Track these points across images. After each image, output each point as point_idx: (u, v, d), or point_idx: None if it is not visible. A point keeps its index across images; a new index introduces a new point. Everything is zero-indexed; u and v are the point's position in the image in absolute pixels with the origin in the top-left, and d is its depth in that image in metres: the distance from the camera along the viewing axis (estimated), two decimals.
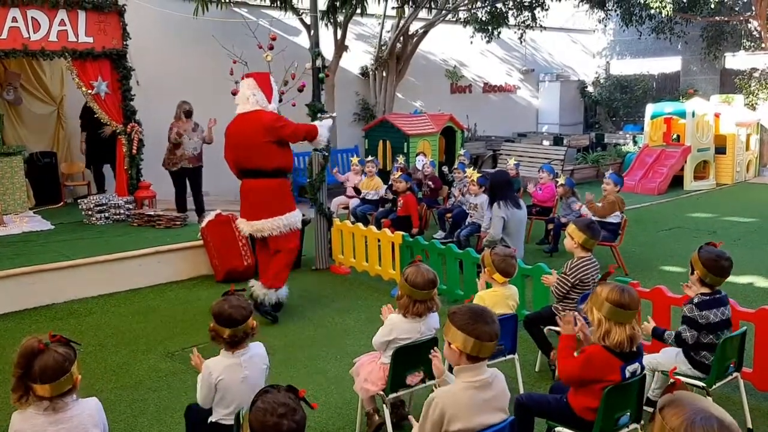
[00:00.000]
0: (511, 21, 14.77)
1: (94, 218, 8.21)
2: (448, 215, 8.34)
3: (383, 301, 5.79)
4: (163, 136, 8.87)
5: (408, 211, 7.90)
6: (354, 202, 8.99)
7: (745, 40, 16.24)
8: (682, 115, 12.71)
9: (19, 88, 9.54)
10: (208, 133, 8.87)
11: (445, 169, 10.10)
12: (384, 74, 13.27)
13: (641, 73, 18.39)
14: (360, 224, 7.34)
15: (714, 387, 3.69)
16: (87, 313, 6.22)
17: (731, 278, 6.43)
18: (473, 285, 5.36)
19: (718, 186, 12.77)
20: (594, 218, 6.88)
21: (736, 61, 15.99)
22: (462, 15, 14.65)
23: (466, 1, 13.63)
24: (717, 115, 12.90)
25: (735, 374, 3.86)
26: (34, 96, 9.85)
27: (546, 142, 14.57)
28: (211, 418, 3.16)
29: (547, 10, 14.66)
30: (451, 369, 2.87)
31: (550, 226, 8.00)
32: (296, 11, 11.01)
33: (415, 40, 13.26)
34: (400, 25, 12.73)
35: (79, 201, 8.72)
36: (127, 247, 7.05)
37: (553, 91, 18.12)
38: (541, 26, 15.27)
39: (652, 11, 14.32)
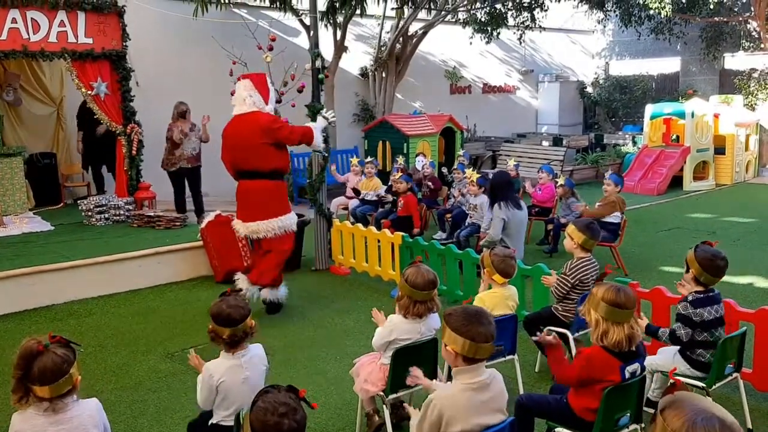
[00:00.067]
0: (511, 22, 14.77)
1: (93, 219, 8.21)
2: (448, 216, 8.34)
3: (383, 301, 5.81)
4: (163, 137, 8.87)
5: (409, 211, 7.90)
6: (354, 203, 8.99)
7: (744, 41, 16.25)
8: (681, 115, 12.72)
9: (18, 89, 9.53)
10: (203, 131, 8.86)
11: (445, 169, 10.10)
12: (383, 75, 13.27)
13: (640, 74, 18.40)
14: (360, 225, 7.34)
15: (714, 387, 3.70)
16: (87, 314, 6.22)
17: (731, 278, 6.49)
18: (473, 285, 5.36)
19: (718, 186, 12.78)
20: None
21: (735, 61, 16.00)
22: (461, 16, 14.66)
23: (465, 2, 13.64)
24: (716, 116, 12.91)
25: (735, 375, 3.86)
26: (34, 97, 9.85)
27: (545, 143, 14.57)
28: (212, 420, 3.16)
29: (546, 10, 14.67)
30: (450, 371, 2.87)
31: (550, 227, 8.00)
32: (296, 12, 11.02)
33: (414, 40, 13.27)
34: (400, 25, 12.74)
35: (78, 202, 8.72)
36: (126, 248, 7.05)
37: (553, 92, 18.12)
38: (540, 27, 15.28)
39: (651, 12, 14.33)
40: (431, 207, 9.09)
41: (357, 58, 13.75)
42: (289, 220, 5.93)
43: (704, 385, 3.68)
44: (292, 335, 5.58)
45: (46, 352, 2.51)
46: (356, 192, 9.03)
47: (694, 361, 3.75)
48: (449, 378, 2.83)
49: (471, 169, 8.34)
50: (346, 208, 9.17)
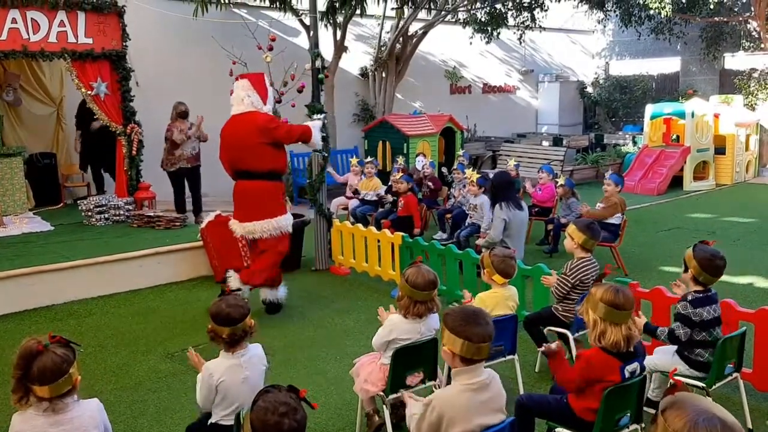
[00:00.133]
0: (511, 22, 14.77)
1: (93, 219, 8.21)
2: (448, 216, 8.35)
3: (383, 301, 5.79)
4: (163, 137, 8.87)
5: (409, 211, 7.90)
6: (354, 203, 8.99)
7: (744, 41, 16.25)
8: (681, 115, 12.72)
9: (18, 89, 9.53)
10: (197, 130, 8.86)
11: (445, 169, 10.10)
12: (383, 75, 13.27)
13: (640, 74, 18.40)
14: (360, 225, 7.34)
15: (714, 387, 3.69)
16: (87, 314, 6.22)
17: (731, 278, 6.49)
18: (473, 286, 5.36)
19: (718, 186, 12.78)
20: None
21: (735, 61, 16.00)
22: (461, 16, 14.66)
23: (465, 2, 13.64)
24: (716, 116, 12.91)
25: (735, 375, 3.86)
26: (34, 97, 9.85)
27: (545, 143, 14.57)
28: (211, 420, 3.16)
29: (546, 10, 14.67)
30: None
31: (550, 227, 8.00)
32: (296, 12, 11.02)
33: (414, 40, 13.27)
34: (400, 25, 12.74)
35: (78, 202, 8.72)
36: (126, 248, 7.05)
37: (553, 92, 18.13)
38: (540, 27, 15.28)
39: (652, 12, 14.33)
40: (431, 207, 9.09)
41: (357, 58, 13.75)
42: (284, 221, 5.91)
43: (704, 385, 3.68)
44: (292, 335, 5.58)
45: (45, 352, 2.51)
46: (355, 192, 9.04)
47: (693, 361, 3.75)
48: (449, 378, 2.83)
49: (471, 169, 8.34)
50: (346, 208, 9.17)
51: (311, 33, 7.67)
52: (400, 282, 3.69)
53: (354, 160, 9.51)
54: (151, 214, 8.19)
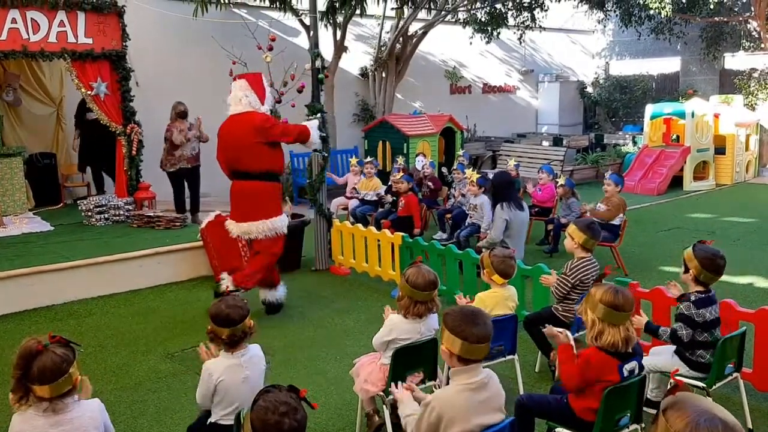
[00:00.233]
0: (511, 22, 14.77)
1: (93, 219, 8.21)
2: (448, 216, 8.34)
3: (383, 301, 5.79)
4: (163, 137, 8.87)
5: (410, 211, 7.90)
6: (353, 203, 8.99)
7: (744, 41, 16.25)
8: (681, 115, 12.72)
9: (18, 89, 9.53)
10: (197, 131, 8.87)
11: (445, 170, 10.10)
12: (383, 75, 13.27)
13: (640, 74, 18.40)
14: (360, 225, 7.34)
15: (714, 387, 3.69)
16: (87, 315, 6.22)
17: (731, 278, 6.49)
18: (473, 286, 5.36)
19: (718, 186, 12.78)
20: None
21: (735, 61, 16.01)
22: (461, 16, 14.66)
23: (465, 2, 13.64)
24: (716, 116, 12.91)
25: (735, 375, 3.86)
26: (34, 97, 9.85)
27: (545, 143, 14.57)
28: (211, 419, 3.16)
29: (546, 10, 14.67)
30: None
31: (550, 227, 8.00)
32: (295, 12, 11.02)
33: (414, 40, 13.27)
34: (400, 25, 12.74)
35: (78, 202, 8.71)
36: (126, 248, 7.05)
37: (553, 92, 18.12)
38: (540, 27, 15.28)
39: (652, 12, 14.33)
40: (431, 207, 9.10)
41: (357, 58, 13.75)
42: (279, 222, 5.88)
43: (704, 385, 3.68)
44: (292, 335, 5.58)
45: (45, 352, 2.51)
46: (356, 192, 9.04)
47: (693, 362, 3.74)
48: (449, 378, 2.83)
49: (471, 169, 8.34)
50: (345, 209, 9.17)
51: (311, 33, 7.67)
52: (400, 282, 3.69)
53: (353, 160, 9.52)
54: (151, 214, 8.19)
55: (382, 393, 3.62)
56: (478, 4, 14.05)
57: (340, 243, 7.41)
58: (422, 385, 3.72)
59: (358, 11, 11.43)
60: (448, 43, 15.49)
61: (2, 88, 9.36)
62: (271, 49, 7.00)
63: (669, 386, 3.88)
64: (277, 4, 10.98)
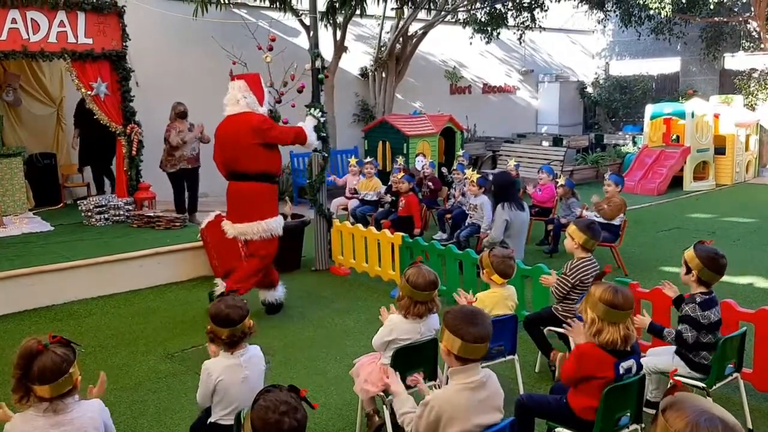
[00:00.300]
0: (511, 22, 14.78)
1: (93, 219, 8.21)
2: (448, 216, 8.35)
3: (383, 302, 5.79)
4: (162, 138, 8.87)
5: (410, 211, 7.90)
6: (353, 203, 8.99)
7: (744, 41, 16.26)
8: (681, 115, 12.72)
9: (18, 89, 9.53)
10: (197, 133, 8.88)
11: (445, 170, 10.10)
12: (383, 75, 13.27)
13: (640, 74, 18.41)
14: (360, 225, 7.34)
15: (714, 388, 3.69)
16: (87, 315, 6.22)
17: (731, 278, 6.49)
18: (473, 286, 5.36)
19: (718, 186, 12.78)
20: (597, 219, 6.90)
21: (735, 61, 16.02)
22: (461, 16, 14.67)
23: (465, 2, 13.64)
24: (716, 116, 12.92)
25: (735, 375, 3.85)
26: (34, 97, 9.85)
27: (545, 143, 14.58)
28: (211, 419, 3.17)
29: (546, 11, 14.68)
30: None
31: (550, 227, 8.00)
32: (295, 12, 11.02)
33: (414, 41, 13.27)
34: (400, 26, 12.74)
35: (78, 202, 8.72)
36: (126, 249, 7.05)
37: (553, 92, 18.13)
38: (540, 27, 15.29)
39: (651, 12, 14.34)
40: (431, 207, 9.10)
41: (357, 59, 13.75)
42: (274, 224, 5.85)
43: (704, 385, 3.67)
44: (292, 335, 5.58)
45: (45, 352, 2.51)
46: (355, 192, 9.03)
47: (696, 363, 3.73)
48: (449, 378, 2.83)
49: (471, 169, 8.34)
50: (345, 209, 9.17)
51: (311, 33, 7.67)
52: (400, 282, 3.69)
53: (352, 160, 9.51)
54: (151, 214, 8.19)
55: (382, 393, 3.62)
56: (478, 5, 14.06)
57: (340, 243, 7.41)
58: (417, 385, 3.72)
59: (358, 11, 11.43)
60: (448, 44, 15.49)
61: (2, 88, 9.35)
62: (271, 49, 6.99)
63: (668, 386, 3.88)
64: (277, 4, 10.98)
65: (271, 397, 2.11)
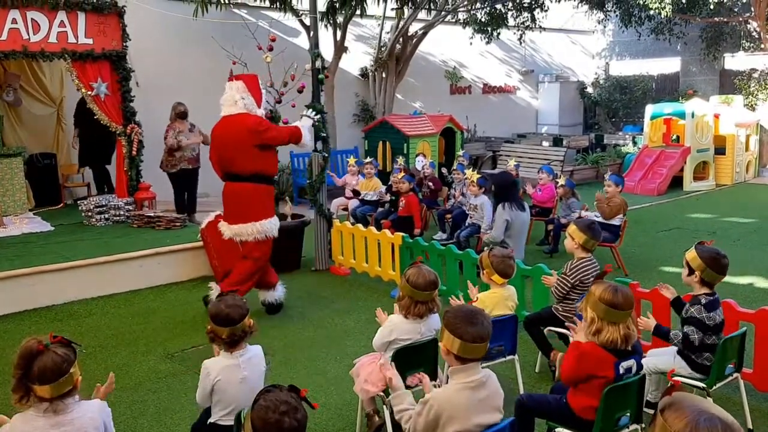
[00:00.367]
0: (511, 22, 14.79)
1: (93, 219, 8.21)
2: (448, 216, 8.35)
3: (383, 302, 5.80)
4: (162, 138, 8.87)
5: (410, 211, 7.90)
6: (353, 203, 8.99)
7: (744, 41, 16.26)
8: (681, 115, 12.72)
9: (18, 89, 9.53)
10: (196, 137, 8.90)
11: (445, 170, 10.10)
12: (383, 75, 13.27)
13: (641, 74, 18.41)
14: (360, 225, 7.34)
15: (714, 388, 3.69)
16: (87, 315, 6.22)
17: (731, 278, 6.49)
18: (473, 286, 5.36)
19: (718, 187, 12.78)
20: (597, 219, 6.90)
21: (735, 61, 16.02)
22: (461, 16, 14.67)
23: (465, 2, 13.65)
24: (716, 116, 12.92)
25: (735, 375, 3.85)
26: (34, 97, 9.85)
27: (545, 143, 14.58)
28: (211, 419, 3.17)
29: (546, 11, 14.68)
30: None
31: (550, 227, 8.00)
32: (296, 12, 11.02)
33: (414, 41, 13.27)
34: (400, 26, 12.74)
35: (78, 202, 8.72)
36: (126, 249, 7.05)
37: (553, 92, 18.14)
38: (540, 27, 15.29)
39: (652, 12, 14.34)
40: (431, 207, 9.10)
41: (357, 59, 13.76)
42: (269, 225, 5.81)
43: (705, 385, 3.67)
44: (292, 335, 5.58)
45: (46, 352, 2.51)
46: (356, 193, 9.03)
47: (698, 364, 3.72)
48: (449, 378, 2.83)
49: (471, 169, 8.34)
50: (346, 209, 9.17)
51: (311, 33, 7.67)
52: (400, 282, 3.69)
53: (351, 160, 9.51)
54: (151, 214, 8.19)
55: (382, 393, 3.62)
56: (478, 5, 14.06)
57: (340, 243, 7.41)
58: (422, 386, 3.72)
59: (358, 11, 11.43)
60: (448, 44, 15.49)
61: (2, 88, 9.36)
62: (271, 49, 6.99)
63: (667, 386, 3.87)
64: (277, 4, 10.98)
65: (271, 397, 2.11)
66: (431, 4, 12.93)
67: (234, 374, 3.12)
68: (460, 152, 10.46)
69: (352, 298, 6.53)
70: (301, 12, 10.89)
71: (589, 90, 18.91)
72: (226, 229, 5.89)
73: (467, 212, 7.74)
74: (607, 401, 3.01)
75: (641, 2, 14.03)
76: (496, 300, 4.20)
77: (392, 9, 12.70)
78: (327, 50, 11.18)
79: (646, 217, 10.01)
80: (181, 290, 6.92)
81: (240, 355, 3.17)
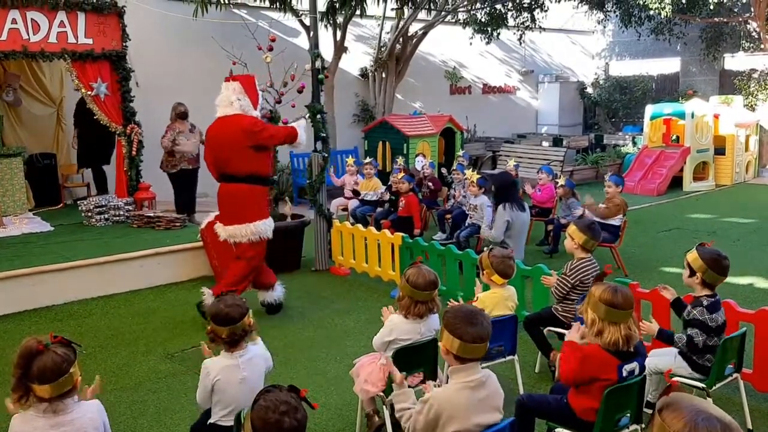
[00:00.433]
0: (511, 22, 14.79)
1: (93, 220, 8.21)
2: (448, 216, 8.35)
3: (383, 302, 5.80)
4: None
5: (410, 211, 7.90)
6: (353, 204, 8.99)
7: (744, 41, 16.27)
8: (681, 116, 12.73)
9: (18, 89, 9.54)
10: (196, 138, 8.93)
11: (444, 170, 10.10)
12: (383, 75, 13.27)
13: (640, 74, 18.42)
14: (359, 225, 7.34)
15: (714, 388, 3.69)
16: (87, 315, 6.22)
17: (731, 279, 6.47)
18: (473, 286, 5.36)
19: (718, 187, 12.78)
20: (596, 219, 6.89)
21: (735, 62, 16.02)
22: (461, 16, 14.67)
23: (465, 3, 13.65)
24: (716, 116, 12.92)
25: (735, 375, 3.85)
26: (34, 97, 9.85)
27: (545, 143, 14.58)
28: (211, 419, 3.17)
29: (546, 11, 14.68)
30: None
31: (550, 227, 8.01)
32: (295, 12, 11.03)
33: (414, 41, 13.28)
34: (400, 26, 12.75)
35: (78, 202, 8.72)
36: (126, 249, 7.05)
37: (553, 92, 18.14)
38: (540, 27, 15.30)
39: (651, 12, 14.34)
40: (431, 207, 9.10)
41: (357, 59, 13.76)
42: (263, 226, 5.78)
43: (704, 386, 3.67)
44: (292, 335, 5.58)
45: (46, 351, 2.52)
46: (356, 193, 9.03)
47: (700, 366, 3.72)
48: (449, 378, 2.84)
49: (471, 169, 8.34)
50: (345, 209, 9.17)
51: (311, 33, 7.67)
52: (400, 282, 3.69)
53: (350, 160, 9.51)
54: (151, 214, 8.19)
55: (382, 393, 3.62)
56: (478, 5, 14.06)
57: (340, 243, 7.41)
58: (422, 386, 3.72)
59: (358, 12, 11.44)
60: (448, 44, 15.50)
61: (2, 89, 9.36)
62: (271, 49, 7.00)
63: (665, 386, 3.88)
64: (277, 4, 10.99)
65: (271, 397, 2.11)
66: (431, 5, 12.94)
67: (234, 374, 3.12)
68: (460, 152, 10.47)
69: (352, 299, 6.54)
70: (301, 12, 10.89)
71: (589, 90, 18.92)
72: (221, 231, 5.87)
73: (467, 212, 7.74)
74: (608, 402, 3.01)
75: (641, 2, 14.03)
76: (496, 300, 4.20)
77: (392, 9, 12.71)
78: (327, 50, 11.19)
79: (645, 218, 10.02)
80: (181, 290, 6.91)
81: (240, 356, 3.17)
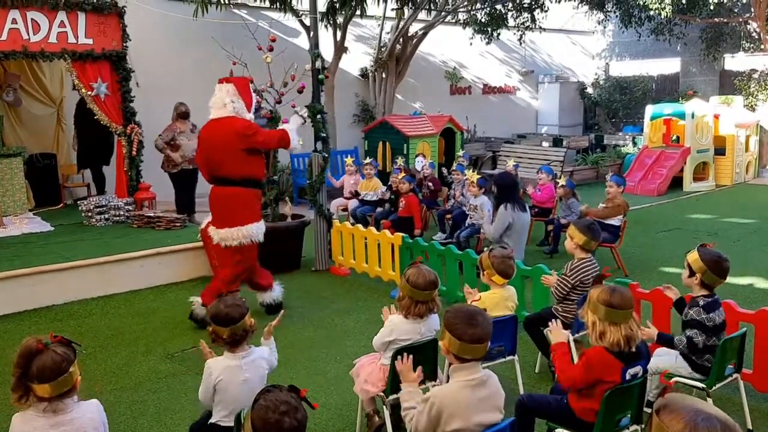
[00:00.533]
0: (511, 22, 14.79)
1: (93, 220, 8.21)
2: (448, 216, 8.35)
3: (383, 302, 5.80)
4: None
5: (410, 212, 7.91)
6: (353, 204, 8.99)
7: (744, 42, 16.27)
8: (681, 116, 12.73)
9: (18, 89, 9.54)
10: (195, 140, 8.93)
11: (444, 170, 10.10)
12: (383, 75, 13.28)
13: (640, 75, 18.42)
14: (359, 225, 7.34)
15: (714, 388, 3.69)
16: (87, 315, 6.22)
17: (731, 279, 6.46)
18: (472, 286, 5.35)
19: (718, 187, 12.78)
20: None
21: (735, 62, 16.02)
22: (461, 16, 14.68)
23: (465, 3, 13.65)
24: (716, 117, 12.92)
25: (735, 375, 3.85)
26: (34, 97, 9.86)
27: (545, 144, 14.58)
28: (212, 419, 3.18)
29: (546, 11, 14.69)
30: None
31: (550, 227, 8.01)
32: (296, 13, 11.03)
33: (414, 41, 13.28)
34: (400, 26, 12.75)
35: (78, 202, 8.72)
36: (126, 249, 7.05)
37: (553, 93, 18.14)
38: (540, 28, 15.30)
39: (652, 12, 14.34)
40: (431, 208, 9.10)
41: (357, 59, 13.76)
42: (255, 229, 5.76)
43: (704, 386, 3.67)
44: (292, 336, 5.57)
45: (45, 351, 2.52)
46: (355, 193, 9.03)
47: (700, 366, 3.72)
48: (449, 377, 2.84)
49: (471, 170, 8.34)
50: (345, 210, 9.17)
51: (311, 34, 7.67)
52: (400, 282, 3.70)
53: (349, 160, 9.50)
54: (151, 214, 8.19)
55: (382, 393, 3.62)
56: (478, 5, 14.06)
57: (340, 243, 7.41)
58: (422, 386, 3.72)
59: (358, 12, 11.43)
60: (449, 44, 15.50)
61: (2, 89, 9.36)
62: (271, 49, 7.00)
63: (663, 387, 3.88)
64: (278, 4, 10.99)
65: (271, 397, 2.11)
66: (431, 5, 12.94)
67: (236, 375, 3.13)
68: (460, 153, 10.46)
69: (352, 299, 6.54)
70: (301, 12, 10.89)
71: (589, 90, 18.92)
72: (214, 234, 5.85)
73: (467, 212, 7.74)
74: (608, 403, 3.00)
75: (641, 3, 14.03)
76: (496, 300, 4.20)
77: (392, 9, 12.70)
78: (327, 50, 11.19)
79: (645, 218, 10.01)
80: (181, 290, 6.91)
81: (243, 357, 3.17)
